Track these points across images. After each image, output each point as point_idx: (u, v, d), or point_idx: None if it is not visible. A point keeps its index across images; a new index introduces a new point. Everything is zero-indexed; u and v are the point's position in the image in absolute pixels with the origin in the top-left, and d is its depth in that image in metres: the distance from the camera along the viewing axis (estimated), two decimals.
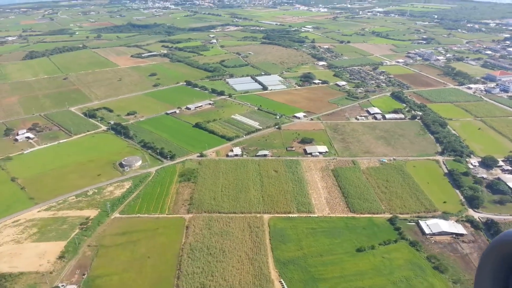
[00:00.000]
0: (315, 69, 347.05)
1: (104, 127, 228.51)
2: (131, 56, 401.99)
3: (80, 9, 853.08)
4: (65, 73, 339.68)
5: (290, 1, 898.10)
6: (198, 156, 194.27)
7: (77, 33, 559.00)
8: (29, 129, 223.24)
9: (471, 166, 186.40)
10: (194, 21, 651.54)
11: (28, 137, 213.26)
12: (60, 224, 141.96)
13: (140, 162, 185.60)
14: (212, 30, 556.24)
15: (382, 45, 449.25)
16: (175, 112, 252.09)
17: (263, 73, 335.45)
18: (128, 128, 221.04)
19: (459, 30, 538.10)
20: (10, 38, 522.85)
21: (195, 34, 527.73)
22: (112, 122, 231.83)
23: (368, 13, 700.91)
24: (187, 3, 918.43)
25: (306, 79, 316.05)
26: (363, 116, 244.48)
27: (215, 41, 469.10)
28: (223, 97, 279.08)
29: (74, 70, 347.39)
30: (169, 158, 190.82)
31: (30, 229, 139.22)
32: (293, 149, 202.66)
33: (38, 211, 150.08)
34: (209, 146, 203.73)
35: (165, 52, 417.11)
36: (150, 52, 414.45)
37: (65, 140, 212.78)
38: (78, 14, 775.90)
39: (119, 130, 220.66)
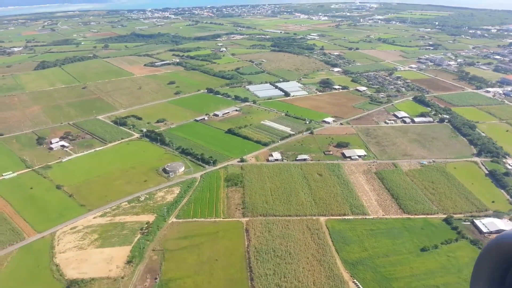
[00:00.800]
0: (332, 75, 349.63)
1: (137, 135, 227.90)
2: (145, 65, 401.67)
3: (79, 20, 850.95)
4: (82, 82, 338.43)
5: (289, 10, 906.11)
6: (238, 162, 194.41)
7: (82, 43, 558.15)
8: (62, 138, 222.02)
9: (509, 167, 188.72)
10: (197, 30, 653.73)
11: (63, 146, 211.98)
12: (120, 229, 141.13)
13: (183, 168, 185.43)
14: (218, 39, 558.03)
15: (391, 51, 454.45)
16: (203, 119, 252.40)
17: (281, 79, 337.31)
18: (163, 135, 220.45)
19: (463, 36, 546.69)
20: (16, 49, 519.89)
21: (202, 43, 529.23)
22: (144, 130, 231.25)
23: (369, 21, 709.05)
24: (186, 13, 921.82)
25: (326, 85, 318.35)
26: (392, 120, 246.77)
27: (225, 49, 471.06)
28: (247, 103, 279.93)
29: (91, 79, 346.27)
30: (211, 164, 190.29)
31: (90, 235, 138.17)
32: (331, 153, 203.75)
33: (94, 218, 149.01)
34: (247, 151, 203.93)
35: (178, 60, 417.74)
36: (163, 61, 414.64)
37: (101, 148, 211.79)
38: (79, 25, 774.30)
39: (154, 137, 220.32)
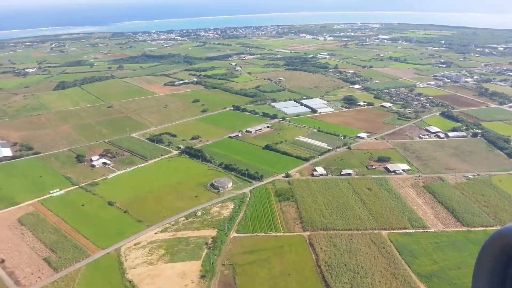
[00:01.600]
0: (353, 92, 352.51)
1: (175, 151, 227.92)
2: (164, 84, 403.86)
3: (86, 42, 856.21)
4: (106, 102, 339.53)
5: (293, 31, 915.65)
6: (284, 177, 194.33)
7: (95, 64, 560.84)
8: (101, 155, 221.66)
9: None
10: (207, 51, 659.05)
11: (104, 163, 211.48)
12: (185, 244, 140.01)
13: (231, 184, 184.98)
14: (229, 59, 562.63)
15: (405, 69, 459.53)
16: (237, 135, 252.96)
17: (304, 97, 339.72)
18: (203, 151, 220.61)
19: (471, 54, 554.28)
20: (30, 70, 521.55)
21: (215, 62, 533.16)
22: (181, 146, 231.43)
23: (375, 40, 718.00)
24: (192, 34, 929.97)
25: (350, 101, 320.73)
26: (426, 134, 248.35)
27: (240, 69, 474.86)
28: (276, 120, 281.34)
29: (114, 99, 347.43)
30: (257, 179, 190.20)
31: (157, 251, 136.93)
32: (373, 167, 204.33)
33: (155, 233, 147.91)
34: (289, 166, 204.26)
35: (196, 79, 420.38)
36: (181, 80, 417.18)
37: (143, 164, 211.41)
38: (87, 46, 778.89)
39: (193, 153, 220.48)
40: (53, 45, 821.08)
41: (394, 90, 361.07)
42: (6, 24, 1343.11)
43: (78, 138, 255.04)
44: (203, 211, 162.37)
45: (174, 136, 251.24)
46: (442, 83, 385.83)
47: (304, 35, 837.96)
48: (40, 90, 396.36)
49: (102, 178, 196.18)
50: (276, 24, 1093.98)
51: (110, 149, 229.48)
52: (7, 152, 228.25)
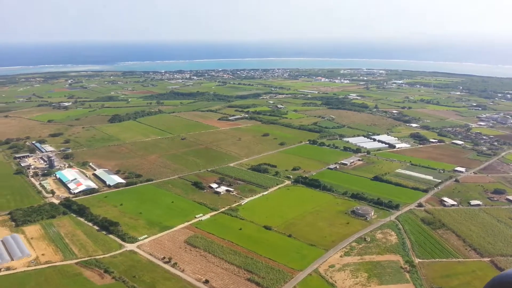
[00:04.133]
0: (414, 130, 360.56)
1: (287, 181, 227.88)
2: (218, 119, 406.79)
3: (101, 79, 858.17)
4: (174, 134, 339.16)
5: (304, 74, 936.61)
6: (417, 206, 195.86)
7: (129, 100, 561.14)
8: (218, 183, 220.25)
9: None
10: (232, 90, 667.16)
11: (228, 190, 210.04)
12: (381, 268, 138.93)
13: (373, 212, 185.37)
14: (260, 98, 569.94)
15: (443, 110, 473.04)
16: (336, 167, 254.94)
17: (370, 133, 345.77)
18: (319, 180, 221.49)
19: (496, 98, 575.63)
20: (66, 104, 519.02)
21: (250, 100, 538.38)
22: (290, 176, 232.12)
23: (393, 85, 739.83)
24: (205, 74, 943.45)
25: (419, 138, 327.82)
26: None
27: (282, 106, 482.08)
28: (360, 154, 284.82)
29: (178, 132, 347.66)
30: (394, 208, 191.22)
31: (357, 273, 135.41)
32: (496, 199, 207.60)
33: (341, 256, 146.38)
34: (414, 197, 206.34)
35: (246, 115, 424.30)
36: (233, 115, 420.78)
37: (266, 192, 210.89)
38: (106, 83, 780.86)
39: (309, 183, 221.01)
40: (70, 81, 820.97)
41: (452, 129, 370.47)
42: (4, 61, 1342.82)
43: (177, 167, 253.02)
44: (369, 237, 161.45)
45: (274, 166, 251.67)
46: (491, 124, 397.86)
47: (319, 78, 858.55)
48: (95, 122, 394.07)
49: (236, 204, 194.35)
50: (280, 67, 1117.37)
51: (224, 178, 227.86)
52: (119, 179, 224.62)
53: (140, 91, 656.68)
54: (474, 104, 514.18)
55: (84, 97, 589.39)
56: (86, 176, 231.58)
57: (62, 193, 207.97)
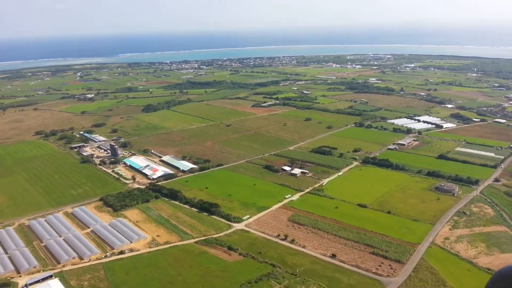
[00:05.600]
0: (451, 111, 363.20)
1: (355, 162, 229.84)
2: (252, 106, 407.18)
3: (111, 72, 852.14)
4: (216, 121, 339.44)
5: (313, 61, 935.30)
6: (494, 181, 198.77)
7: (151, 90, 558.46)
8: (289, 166, 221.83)
9: None
10: (248, 78, 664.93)
11: (303, 172, 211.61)
12: (495, 238, 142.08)
13: (457, 188, 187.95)
14: (281, 85, 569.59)
15: (469, 92, 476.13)
16: (395, 148, 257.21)
17: (411, 114, 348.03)
18: (389, 160, 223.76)
19: None
20: (89, 96, 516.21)
21: (273, 88, 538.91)
22: (356, 157, 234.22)
23: (406, 68, 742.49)
24: (214, 63, 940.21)
25: (461, 118, 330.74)
26: None
27: (308, 92, 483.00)
28: (412, 134, 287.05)
29: (219, 119, 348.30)
30: (473, 183, 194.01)
31: (475, 243, 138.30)
32: None
33: (450, 230, 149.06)
34: (485, 173, 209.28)
35: (277, 102, 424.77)
36: (265, 102, 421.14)
37: (340, 173, 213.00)
38: (116, 75, 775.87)
39: (380, 163, 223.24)
40: (79, 74, 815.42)
41: (487, 109, 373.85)
42: (5, 56, 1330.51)
43: (237, 152, 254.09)
44: (468, 211, 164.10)
45: (335, 148, 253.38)
46: None
47: (330, 64, 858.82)
48: (129, 112, 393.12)
49: (318, 185, 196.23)
50: (285, 54, 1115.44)
51: (294, 161, 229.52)
52: (190, 164, 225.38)
53: (156, 82, 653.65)
54: (496, 85, 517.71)
55: (103, 89, 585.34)
56: (155, 162, 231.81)
57: (140, 179, 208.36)
